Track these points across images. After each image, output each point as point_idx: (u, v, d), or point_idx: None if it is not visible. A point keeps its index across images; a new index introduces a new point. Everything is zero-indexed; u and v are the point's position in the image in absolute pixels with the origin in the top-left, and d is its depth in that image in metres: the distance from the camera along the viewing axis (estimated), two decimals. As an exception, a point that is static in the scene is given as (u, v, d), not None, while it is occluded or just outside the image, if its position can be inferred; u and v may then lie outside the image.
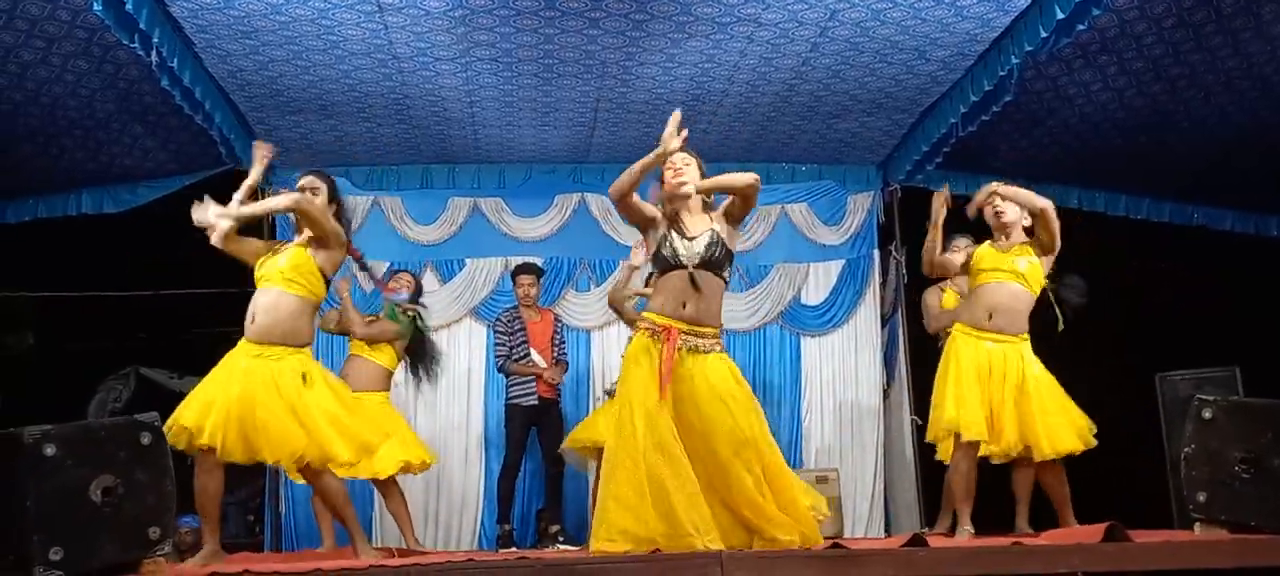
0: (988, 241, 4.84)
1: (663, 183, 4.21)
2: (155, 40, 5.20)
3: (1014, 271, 4.65)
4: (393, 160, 7.55)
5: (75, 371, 9.30)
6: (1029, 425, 4.53)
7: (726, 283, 4.20)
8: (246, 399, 4.00)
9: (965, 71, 6.25)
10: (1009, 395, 4.54)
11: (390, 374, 5.90)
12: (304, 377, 4.06)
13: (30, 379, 8.57)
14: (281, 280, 4.14)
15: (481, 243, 7.61)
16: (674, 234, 4.11)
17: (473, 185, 7.69)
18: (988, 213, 4.82)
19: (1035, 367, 4.64)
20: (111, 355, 9.59)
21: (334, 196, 4.36)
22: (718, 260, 4.08)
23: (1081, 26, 5.32)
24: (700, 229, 4.13)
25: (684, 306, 4.03)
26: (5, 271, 8.33)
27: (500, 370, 6.69)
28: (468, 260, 7.60)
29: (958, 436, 4.61)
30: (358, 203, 7.53)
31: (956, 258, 5.12)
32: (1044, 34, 5.35)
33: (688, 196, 4.13)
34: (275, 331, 4.09)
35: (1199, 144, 7.11)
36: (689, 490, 3.83)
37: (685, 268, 4.05)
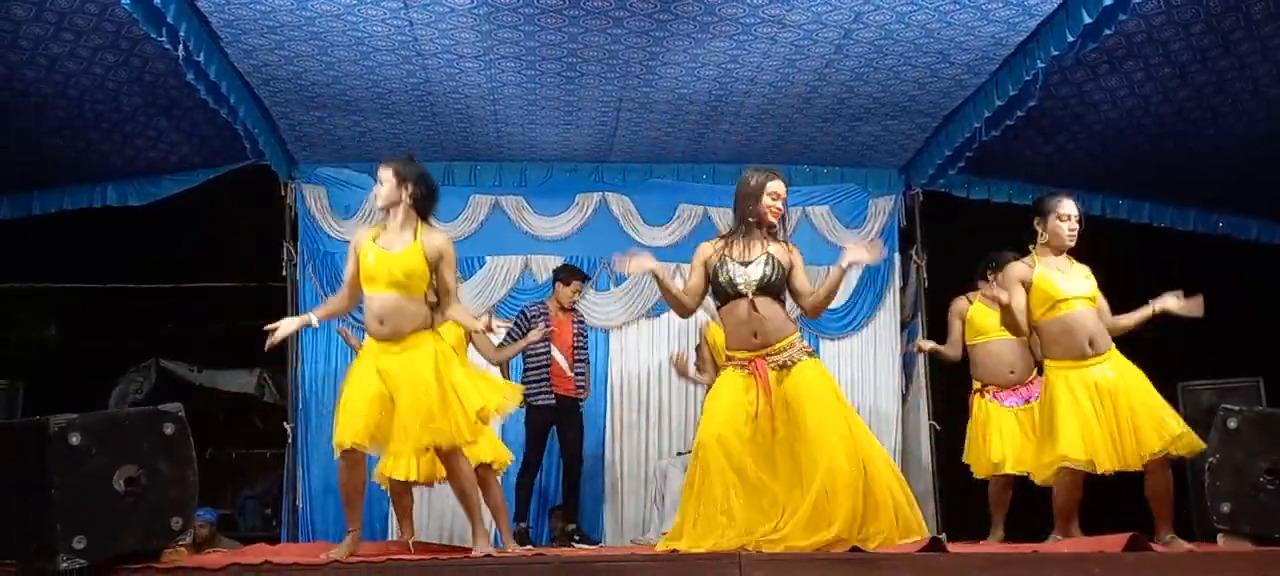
0: (1040, 264, 4.60)
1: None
2: (182, 34, 5.23)
3: (1086, 297, 4.51)
4: (415, 157, 7.56)
5: (97, 363, 9.39)
6: (1137, 431, 4.33)
7: (783, 302, 4.25)
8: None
9: (989, 76, 6.21)
10: (1118, 412, 4.38)
11: None
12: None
13: (52, 370, 8.64)
14: None
15: (502, 240, 7.62)
16: (730, 262, 4.18)
17: (494, 183, 7.71)
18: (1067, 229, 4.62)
19: (1133, 375, 4.47)
20: (133, 347, 9.68)
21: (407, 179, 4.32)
22: (775, 284, 4.16)
23: (1108, 31, 5.29)
24: (756, 253, 4.19)
25: (754, 336, 4.13)
26: (29, 263, 8.41)
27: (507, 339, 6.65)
28: (488, 258, 7.61)
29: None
30: (379, 198, 7.56)
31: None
32: (1070, 39, 5.31)
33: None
34: None
35: (1225, 152, 7.05)
36: (761, 505, 3.99)
37: (744, 296, 4.14)
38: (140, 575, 3.33)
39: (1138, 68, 6.14)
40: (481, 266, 7.61)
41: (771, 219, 4.25)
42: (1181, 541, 4.17)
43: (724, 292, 4.18)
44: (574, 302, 6.82)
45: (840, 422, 4.06)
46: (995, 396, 5.59)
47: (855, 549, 3.75)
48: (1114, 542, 3.73)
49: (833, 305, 7.63)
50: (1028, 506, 4.88)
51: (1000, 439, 5.52)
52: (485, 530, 4.34)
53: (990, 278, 5.74)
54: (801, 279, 4.28)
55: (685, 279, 4.57)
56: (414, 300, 4.18)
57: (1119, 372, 4.44)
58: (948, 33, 5.73)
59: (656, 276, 4.29)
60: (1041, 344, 4.66)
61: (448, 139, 7.27)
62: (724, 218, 7.64)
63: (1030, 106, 6.14)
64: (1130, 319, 4.60)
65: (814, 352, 4.32)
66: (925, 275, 7.61)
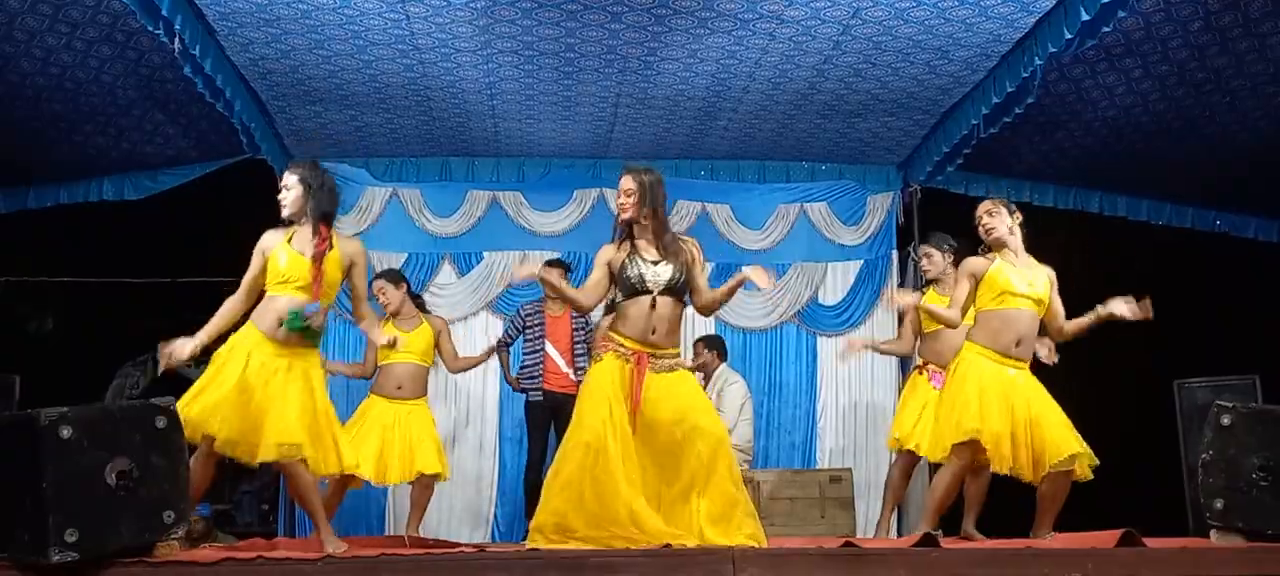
0: (997, 257, 4.56)
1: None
2: (178, 27, 5.22)
3: (1037, 299, 4.48)
4: (412, 152, 7.57)
5: (94, 357, 9.37)
6: (1041, 439, 4.37)
7: (685, 305, 4.33)
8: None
9: (987, 72, 6.21)
10: (1028, 417, 4.40)
11: (428, 372, 5.96)
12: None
13: (49, 363, 8.63)
14: None
15: (500, 236, 7.62)
16: (639, 260, 4.21)
17: (492, 178, 7.71)
18: (980, 229, 4.62)
19: (1041, 389, 4.52)
20: (130, 341, 9.66)
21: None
22: (680, 287, 4.22)
23: (1106, 28, 5.28)
24: (662, 255, 4.24)
25: (652, 332, 4.18)
26: (27, 256, 8.41)
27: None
28: (485, 253, 7.62)
29: (960, 445, 4.42)
30: (376, 193, 7.57)
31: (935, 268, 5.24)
32: (1068, 35, 5.30)
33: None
34: None
35: (1223, 149, 7.04)
36: (642, 495, 4.00)
37: (650, 293, 4.17)
38: (133, 569, 3.32)
39: (1136, 65, 6.14)
40: (479, 262, 7.62)
41: (624, 215, 4.29)
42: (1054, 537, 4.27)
43: (632, 288, 4.21)
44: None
45: (708, 413, 4.21)
46: (933, 377, 5.54)
47: (848, 543, 3.75)
48: (1107, 538, 3.73)
49: (829, 302, 7.74)
50: (1017, 501, 4.87)
51: (915, 416, 5.47)
52: (330, 528, 4.30)
53: (924, 259, 5.83)
54: (699, 277, 4.35)
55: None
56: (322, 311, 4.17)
57: (1028, 384, 4.48)
58: (946, 29, 5.72)
59: (546, 281, 4.40)
60: (974, 326, 4.61)
61: (445, 134, 7.27)
62: (721, 214, 7.72)
63: (1028, 103, 6.13)
64: (1079, 322, 4.59)
65: (690, 369, 4.50)
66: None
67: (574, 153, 7.63)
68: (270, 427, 4.02)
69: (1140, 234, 8.07)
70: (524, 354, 6.71)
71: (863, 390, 7.64)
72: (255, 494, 9.79)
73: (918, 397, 5.59)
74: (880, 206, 7.84)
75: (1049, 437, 4.34)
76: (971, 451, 4.42)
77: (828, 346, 7.70)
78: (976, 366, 4.48)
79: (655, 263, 4.20)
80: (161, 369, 4.24)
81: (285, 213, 4.26)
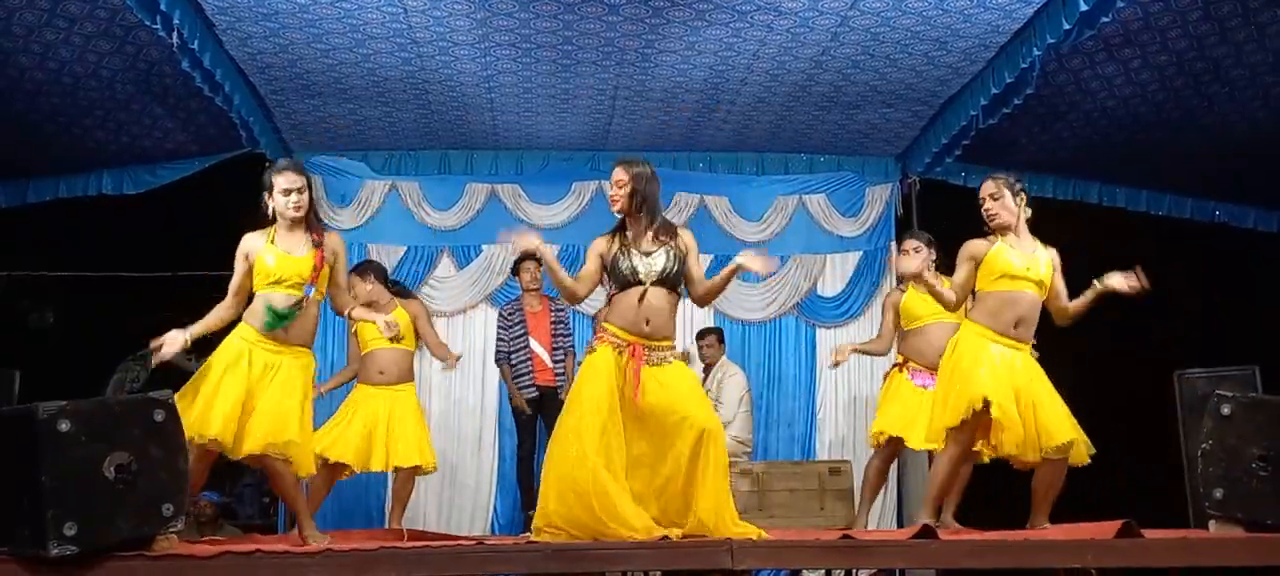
0: (997, 239, 4.53)
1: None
2: (176, 21, 5.21)
3: (1038, 281, 4.43)
4: (411, 145, 7.56)
5: (94, 352, 9.37)
6: (1039, 422, 4.31)
7: (680, 297, 4.30)
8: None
9: (986, 63, 6.20)
10: (1030, 398, 4.35)
11: (412, 357, 5.91)
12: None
13: (49, 358, 8.64)
14: None
15: (498, 229, 7.58)
16: (632, 251, 4.19)
17: (490, 171, 7.70)
18: (984, 211, 4.58)
19: (1040, 372, 4.47)
20: (129, 336, 9.66)
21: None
22: (673, 277, 4.19)
23: (1105, 18, 5.28)
24: (655, 246, 4.21)
25: (646, 323, 4.15)
26: (26, 250, 8.41)
27: (495, 362, 6.77)
28: (484, 246, 7.61)
29: (956, 429, 4.38)
30: (375, 187, 7.56)
31: (913, 262, 4.98)
32: (1067, 26, 5.29)
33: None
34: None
35: (1222, 139, 7.04)
36: (628, 492, 3.99)
37: (643, 285, 4.15)
38: (132, 563, 3.33)
39: (1135, 55, 6.13)
40: (478, 255, 7.61)
41: (615, 208, 4.28)
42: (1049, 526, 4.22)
43: (624, 279, 4.19)
44: (539, 285, 6.78)
45: (701, 404, 4.16)
46: (913, 375, 5.52)
47: (845, 535, 3.76)
48: (1106, 529, 3.73)
49: (828, 294, 7.73)
50: (1015, 493, 4.87)
51: (899, 410, 5.40)
52: (312, 522, 4.40)
53: (909, 254, 5.63)
54: (695, 267, 4.32)
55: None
56: (315, 304, 4.25)
57: (1028, 365, 4.43)
58: (945, 20, 5.71)
59: (542, 256, 4.28)
60: (973, 306, 4.58)
61: (443, 127, 7.26)
62: (719, 206, 7.71)
63: (1027, 94, 6.12)
64: (1081, 301, 4.52)
65: (685, 356, 4.40)
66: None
67: (572, 145, 7.63)
68: (257, 423, 4.08)
69: (1139, 225, 8.06)
70: (512, 352, 6.72)
71: (862, 382, 7.64)
72: (256, 486, 9.80)
73: (899, 394, 5.50)
74: (879, 198, 7.83)
75: (1045, 422, 4.29)
76: (971, 433, 4.38)
77: (827, 338, 7.69)
78: (977, 344, 4.43)
79: (648, 254, 4.18)
80: (154, 362, 4.23)
81: (298, 214, 4.26)
